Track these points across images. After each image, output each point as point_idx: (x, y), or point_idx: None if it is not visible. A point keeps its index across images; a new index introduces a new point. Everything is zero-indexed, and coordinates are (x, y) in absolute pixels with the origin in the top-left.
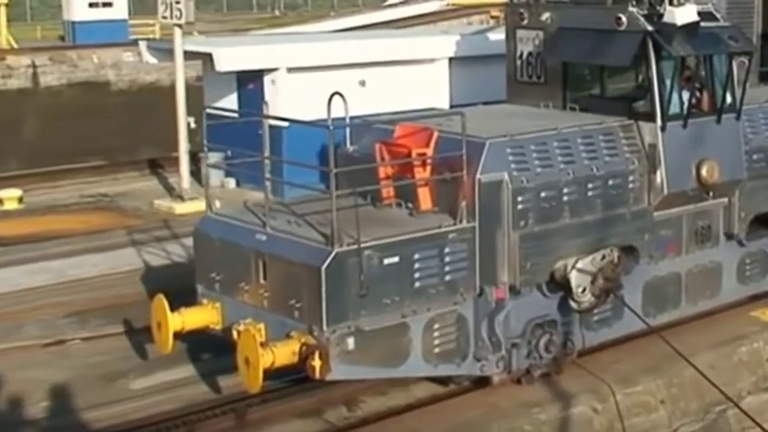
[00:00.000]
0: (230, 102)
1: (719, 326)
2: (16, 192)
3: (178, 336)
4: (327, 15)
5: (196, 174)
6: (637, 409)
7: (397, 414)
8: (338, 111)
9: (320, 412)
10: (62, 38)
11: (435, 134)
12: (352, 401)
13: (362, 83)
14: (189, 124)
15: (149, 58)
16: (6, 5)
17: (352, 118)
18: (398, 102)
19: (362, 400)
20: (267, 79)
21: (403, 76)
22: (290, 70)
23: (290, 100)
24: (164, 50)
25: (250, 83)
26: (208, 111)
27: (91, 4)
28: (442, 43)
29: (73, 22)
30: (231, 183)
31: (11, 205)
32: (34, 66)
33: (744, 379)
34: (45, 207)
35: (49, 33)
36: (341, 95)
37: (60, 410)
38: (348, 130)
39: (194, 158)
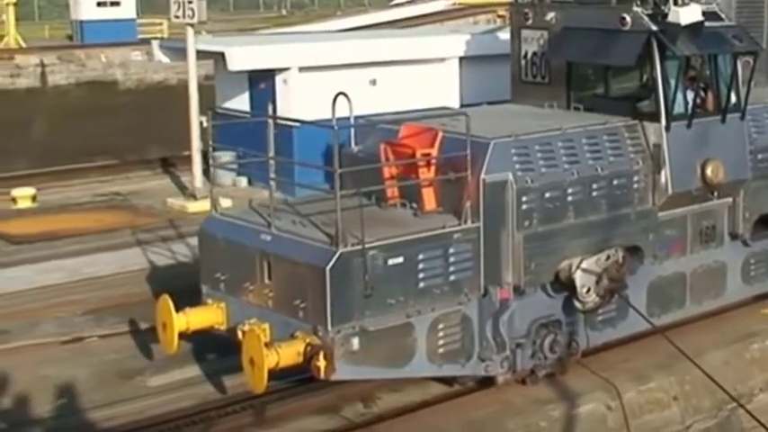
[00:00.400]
0: (242, 101)
1: (731, 324)
2: (30, 190)
3: (183, 336)
4: (334, 15)
5: (208, 172)
6: (650, 406)
7: (412, 411)
8: (347, 111)
9: (337, 409)
10: (70, 37)
11: (440, 134)
12: (369, 398)
13: (373, 82)
14: (201, 123)
15: (161, 58)
16: (15, 5)
17: (356, 118)
18: (409, 101)
19: (379, 397)
20: (279, 79)
21: (414, 76)
22: (301, 69)
23: (302, 99)
24: (176, 50)
25: (262, 82)
26: (216, 111)
27: (99, 4)
28: (453, 43)
29: (81, 22)
30: (243, 182)
31: (24, 204)
32: (43, 65)
33: (756, 376)
34: (58, 206)
35: (56, 33)
36: (345, 96)
37: (80, 407)
38: (353, 130)
39: (206, 157)
